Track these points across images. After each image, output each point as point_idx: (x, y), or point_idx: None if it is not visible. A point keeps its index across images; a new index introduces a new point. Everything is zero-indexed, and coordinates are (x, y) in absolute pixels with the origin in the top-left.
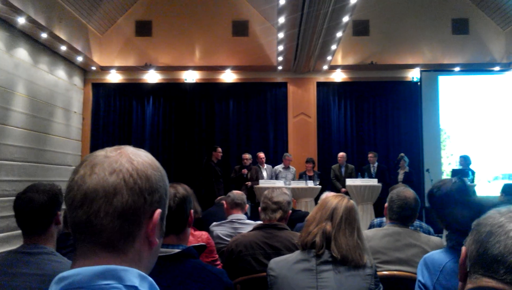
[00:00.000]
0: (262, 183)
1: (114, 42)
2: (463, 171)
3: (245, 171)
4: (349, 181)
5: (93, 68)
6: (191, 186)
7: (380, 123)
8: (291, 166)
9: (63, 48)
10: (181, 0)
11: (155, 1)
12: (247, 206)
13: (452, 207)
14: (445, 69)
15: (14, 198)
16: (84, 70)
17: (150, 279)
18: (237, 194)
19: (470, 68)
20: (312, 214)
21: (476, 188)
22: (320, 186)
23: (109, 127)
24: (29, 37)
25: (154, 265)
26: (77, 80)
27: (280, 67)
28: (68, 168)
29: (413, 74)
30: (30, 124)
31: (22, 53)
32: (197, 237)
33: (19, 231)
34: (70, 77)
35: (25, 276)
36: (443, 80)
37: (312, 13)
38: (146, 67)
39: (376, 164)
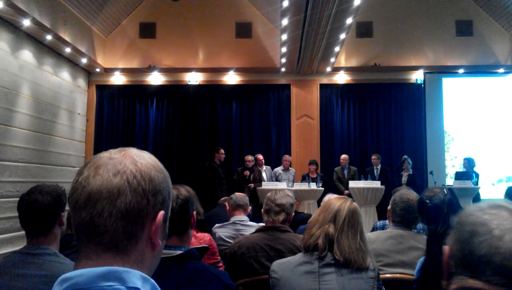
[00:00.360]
0: (265, 185)
1: (118, 44)
2: (467, 174)
3: (247, 172)
4: (352, 183)
5: (97, 70)
6: (194, 188)
7: (383, 125)
8: (290, 168)
9: (68, 50)
10: (184, 2)
11: (159, 3)
12: (250, 207)
13: (443, 219)
14: (449, 71)
15: (18, 199)
16: (88, 72)
17: (152, 281)
18: (239, 195)
19: (474, 70)
20: (315, 217)
21: (480, 191)
22: (322, 188)
23: (113, 128)
24: (33, 39)
25: (157, 267)
26: (81, 82)
27: (283, 69)
28: (71, 170)
29: (417, 76)
30: (34, 126)
31: (26, 55)
32: (199, 239)
33: (23, 232)
34: (74, 79)
35: (28, 277)
36: (447, 82)
37: (316, 15)
38: (149, 69)
39: (379, 166)
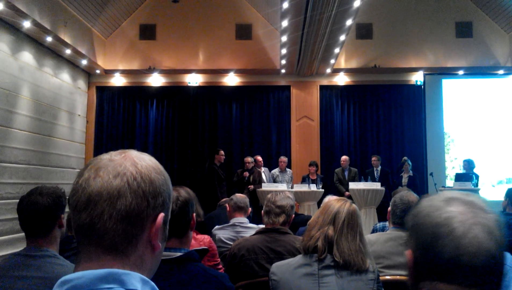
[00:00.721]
0: (265, 187)
1: (118, 45)
2: (467, 175)
3: (246, 174)
4: (352, 185)
5: (97, 71)
6: (194, 189)
7: (383, 126)
8: (288, 169)
9: (68, 51)
10: (184, 3)
11: (159, 4)
12: (250, 209)
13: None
14: (449, 72)
15: (17, 200)
16: (88, 74)
17: (152, 283)
18: (240, 197)
19: (474, 72)
20: (314, 218)
21: (480, 192)
22: (322, 190)
23: (113, 130)
24: (34, 41)
25: (156, 269)
26: (81, 83)
27: (283, 70)
28: (72, 171)
29: (417, 78)
30: (34, 127)
31: (27, 56)
32: (199, 240)
33: (23, 234)
34: (74, 80)
35: (28, 279)
36: (447, 84)
37: (315, 16)
38: (150, 70)
39: (379, 168)
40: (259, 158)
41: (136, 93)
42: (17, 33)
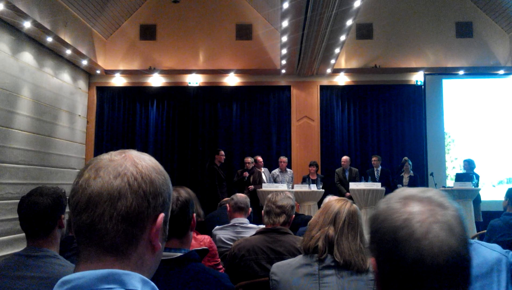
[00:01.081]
0: (265, 187)
1: (119, 46)
2: (467, 175)
3: (246, 174)
4: (353, 185)
5: (98, 71)
6: (194, 190)
7: (383, 126)
8: (288, 169)
9: (68, 52)
10: (185, 4)
11: (159, 5)
12: (251, 209)
13: None
14: (449, 72)
15: (18, 201)
16: (88, 74)
17: (152, 283)
18: (240, 197)
19: (474, 72)
20: (315, 218)
21: (480, 192)
22: (323, 190)
23: (113, 130)
24: (34, 41)
25: (157, 269)
26: (82, 84)
27: (283, 71)
28: (72, 171)
29: (417, 78)
30: (35, 127)
31: (27, 56)
32: (199, 241)
33: (23, 234)
34: (74, 81)
35: (28, 279)
36: (447, 84)
37: (316, 16)
38: (150, 70)
39: (379, 168)
40: (260, 158)
41: (137, 93)
42: (17, 33)
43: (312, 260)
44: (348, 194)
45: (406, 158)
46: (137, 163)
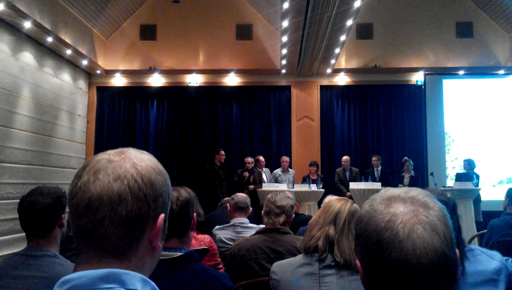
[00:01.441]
0: (265, 187)
1: (119, 46)
2: (468, 175)
3: (246, 174)
4: (353, 185)
5: (98, 71)
6: (194, 189)
7: (383, 126)
8: (290, 169)
9: (68, 52)
10: (185, 4)
11: (159, 5)
12: (251, 209)
13: None
14: (449, 72)
15: (18, 200)
16: (89, 74)
17: (153, 283)
18: (241, 197)
19: (474, 72)
20: (315, 218)
21: (480, 192)
22: (323, 190)
23: (113, 130)
24: (34, 41)
25: (157, 269)
26: (82, 84)
27: (283, 71)
28: (72, 171)
29: (417, 78)
30: (35, 127)
31: (27, 56)
32: (199, 240)
33: (23, 234)
34: (75, 81)
35: (29, 279)
36: (447, 84)
37: (316, 16)
38: (150, 70)
39: (380, 168)
40: (262, 158)
41: (137, 93)
42: (17, 33)
43: (313, 260)
44: (348, 193)
45: (406, 158)
46: (136, 164)
